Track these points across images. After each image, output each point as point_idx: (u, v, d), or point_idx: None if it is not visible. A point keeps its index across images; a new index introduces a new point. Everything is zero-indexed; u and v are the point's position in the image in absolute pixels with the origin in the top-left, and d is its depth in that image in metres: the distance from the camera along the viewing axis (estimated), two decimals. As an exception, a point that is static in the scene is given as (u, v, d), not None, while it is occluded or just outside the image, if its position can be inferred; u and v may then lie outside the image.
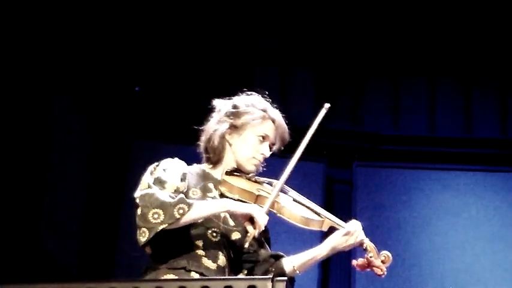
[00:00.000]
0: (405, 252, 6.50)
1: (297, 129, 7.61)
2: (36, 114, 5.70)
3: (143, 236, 3.03)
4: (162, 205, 3.04)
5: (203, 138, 3.33)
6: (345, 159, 6.80)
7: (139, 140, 6.53)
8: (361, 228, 3.29)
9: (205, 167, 3.33)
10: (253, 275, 3.18)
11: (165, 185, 3.14)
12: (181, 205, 3.05)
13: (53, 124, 5.82)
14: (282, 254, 3.31)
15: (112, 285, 2.82)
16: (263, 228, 3.12)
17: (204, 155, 3.34)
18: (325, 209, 7.21)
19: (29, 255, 5.52)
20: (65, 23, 5.91)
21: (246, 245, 3.11)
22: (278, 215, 3.25)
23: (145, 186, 3.12)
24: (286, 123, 3.38)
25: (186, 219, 3.05)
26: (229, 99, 3.40)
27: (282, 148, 3.36)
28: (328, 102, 7.35)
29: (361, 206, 6.61)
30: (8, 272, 5.19)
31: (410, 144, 6.87)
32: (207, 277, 3.02)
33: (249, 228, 3.10)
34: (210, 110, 3.37)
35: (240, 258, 3.23)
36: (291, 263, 3.25)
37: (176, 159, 3.29)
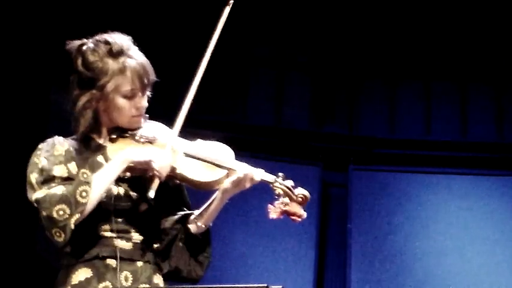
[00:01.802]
0: (400, 255, 6.50)
1: (293, 133, 7.60)
2: (32, 114, 5.70)
3: (59, 237, 2.81)
4: (62, 199, 2.83)
5: (70, 106, 3.07)
6: (340, 163, 6.80)
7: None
8: (251, 169, 2.98)
9: (85, 135, 3.04)
10: (165, 247, 3.02)
11: (55, 180, 2.90)
12: (80, 188, 2.85)
13: (48, 125, 5.81)
14: (186, 213, 3.07)
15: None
16: (166, 171, 2.87)
17: (76, 127, 3.06)
18: (321, 213, 7.22)
19: (24, 259, 5.51)
20: (61, 22, 5.91)
21: (151, 194, 2.85)
22: (175, 180, 3.00)
23: (34, 188, 2.91)
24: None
25: (93, 198, 2.85)
26: (78, 47, 3.10)
27: (150, 85, 3.05)
28: (324, 106, 7.33)
29: (357, 209, 6.60)
30: (4, 277, 5.17)
31: (406, 148, 6.87)
32: (198, 286, 2.93)
33: (155, 173, 2.86)
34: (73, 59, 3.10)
35: (156, 228, 3.04)
36: (194, 221, 3.04)
37: (54, 138, 3.07)
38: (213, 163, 2.99)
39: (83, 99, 3.02)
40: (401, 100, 7.00)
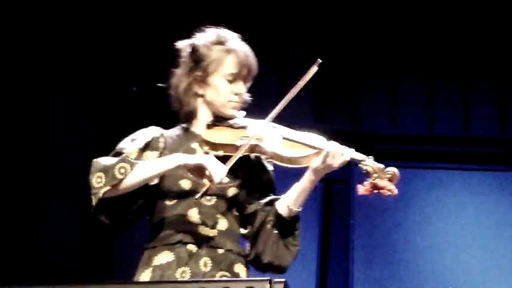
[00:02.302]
0: (403, 251, 6.51)
1: (296, 130, 7.61)
2: (35, 114, 5.71)
3: (92, 202, 2.96)
4: (103, 168, 2.95)
5: (172, 93, 3.17)
6: (343, 159, 6.79)
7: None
8: (341, 146, 3.05)
9: (186, 125, 3.16)
10: (254, 231, 3.04)
11: (122, 158, 2.98)
12: (122, 164, 2.93)
13: (52, 124, 5.83)
14: (275, 197, 3.11)
15: (111, 286, 2.82)
16: (218, 180, 2.88)
17: (179, 113, 3.17)
18: (324, 209, 7.24)
19: (28, 255, 5.52)
20: (63, 23, 5.92)
21: (197, 196, 2.91)
22: (268, 160, 3.07)
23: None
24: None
25: (132, 179, 2.92)
26: (189, 41, 3.18)
27: (252, 78, 3.15)
28: (326, 103, 7.34)
29: (359, 205, 6.61)
30: (7, 273, 5.19)
31: (409, 143, 6.87)
32: (200, 280, 2.89)
33: (204, 180, 2.91)
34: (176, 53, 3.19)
35: (243, 214, 3.08)
36: (284, 203, 3.07)
37: (151, 127, 3.16)
38: (303, 143, 3.06)
39: (185, 82, 3.11)
40: (404, 96, 7.00)
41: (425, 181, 6.72)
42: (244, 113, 3.19)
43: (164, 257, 2.98)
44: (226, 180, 3.01)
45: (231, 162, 2.97)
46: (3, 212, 5.43)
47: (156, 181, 3.04)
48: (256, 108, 7.30)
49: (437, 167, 6.79)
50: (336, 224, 6.70)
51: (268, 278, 2.61)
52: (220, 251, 3.01)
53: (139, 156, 3.03)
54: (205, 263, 2.98)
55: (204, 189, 2.91)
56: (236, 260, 3.04)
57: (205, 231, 3.00)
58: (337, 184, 6.80)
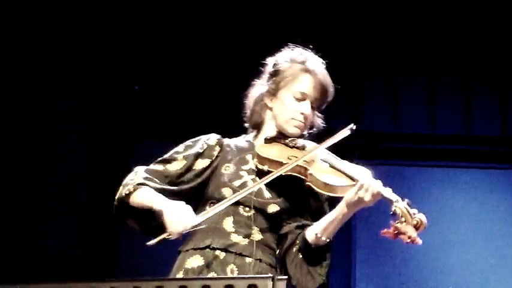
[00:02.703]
0: (406, 250, 6.50)
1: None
2: (36, 114, 5.71)
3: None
4: (124, 182, 3.09)
5: (246, 101, 3.24)
6: (345, 158, 6.78)
7: (139, 140, 6.53)
8: (376, 182, 3.02)
9: (251, 135, 3.22)
10: (283, 249, 3.06)
11: (169, 164, 3.10)
12: (130, 186, 3.03)
13: (53, 124, 5.83)
14: (308, 223, 3.10)
15: (112, 284, 2.81)
16: (178, 229, 2.91)
17: (247, 122, 3.23)
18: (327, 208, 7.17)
19: (30, 254, 5.53)
20: (64, 22, 5.92)
21: (150, 242, 2.95)
22: (307, 183, 3.04)
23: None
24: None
25: (134, 200, 3.03)
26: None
27: (324, 105, 3.18)
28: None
29: (361, 204, 6.60)
30: (9, 271, 5.19)
31: (411, 142, 6.87)
32: (203, 277, 2.93)
33: (167, 226, 2.96)
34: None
35: (279, 231, 3.09)
36: (313, 230, 3.04)
37: (212, 134, 3.21)
38: (343, 172, 3.06)
39: (258, 90, 3.18)
40: (405, 94, 7.00)
41: (427, 180, 6.72)
42: (306, 134, 3.21)
43: (195, 261, 3.03)
44: (268, 195, 3.06)
45: (266, 180, 3.00)
46: (5, 212, 5.43)
47: (202, 178, 3.12)
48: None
49: (438, 166, 6.78)
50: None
51: (271, 275, 2.60)
52: (249, 259, 3.03)
53: (192, 163, 3.10)
54: (231, 270, 3.01)
55: (161, 237, 2.95)
56: (265, 270, 3.03)
57: (236, 239, 3.03)
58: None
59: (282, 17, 6.96)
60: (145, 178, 3.07)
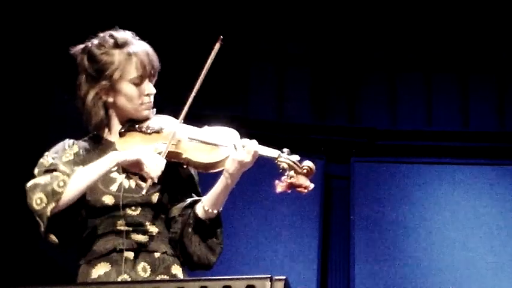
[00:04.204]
0: (404, 247, 6.50)
1: (295, 127, 7.60)
2: (34, 115, 5.70)
3: (39, 226, 2.92)
4: (42, 188, 2.89)
5: (79, 104, 3.08)
6: (342, 155, 6.80)
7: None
8: (251, 142, 2.95)
9: (97, 134, 3.10)
10: (178, 235, 3.01)
11: (55, 173, 2.94)
12: (59, 178, 2.89)
13: (50, 124, 5.82)
14: (195, 199, 3.05)
15: (111, 287, 2.81)
16: (157, 172, 2.87)
17: (89, 124, 3.09)
18: (324, 205, 7.21)
19: (28, 256, 5.52)
20: (61, 21, 5.91)
21: (144, 192, 2.90)
22: (184, 165, 3.01)
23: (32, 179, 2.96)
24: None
25: (72, 190, 2.88)
26: (83, 47, 3.11)
27: (156, 73, 3.09)
28: (324, 99, 7.31)
29: (359, 201, 6.61)
30: (7, 274, 5.18)
31: (408, 138, 6.87)
32: (201, 278, 2.85)
33: (145, 174, 2.90)
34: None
35: (168, 217, 3.05)
36: (202, 206, 2.99)
37: (66, 140, 3.10)
38: (215, 144, 2.99)
39: (92, 92, 3.04)
40: (402, 91, 7.00)
41: (425, 176, 6.72)
42: (155, 110, 3.12)
43: (101, 269, 2.96)
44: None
45: (164, 151, 2.95)
46: (4, 214, 5.42)
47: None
48: (254, 104, 7.29)
49: (436, 162, 6.78)
50: (336, 219, 6.70)
51: (269, 275, 2.59)
52: (157, 254, 2.99)
53: (72, 172, 2.96)
54: (144, 268, 2.96)
55: (148, 184, 2.90)
56: (172, 262, 3.02)
57: (137, 237, 2.98)
58: (337, 180, 6.81)
59: (281, 11, 6.96)
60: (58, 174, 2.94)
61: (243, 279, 2.63)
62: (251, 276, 2.70)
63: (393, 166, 6.75)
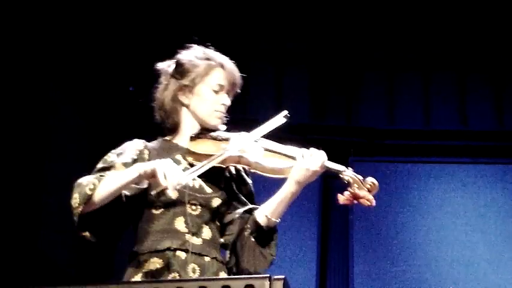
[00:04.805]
0: (402, 246, 6.51)
1: (293, 127, 7.62)
2: (33, 115, 5.71)
3: (75, 224, 2.99)
4: (78, 187, 2.99)
5: (155, 107, 3.20)
6: (341, 155, 6.78)
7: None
8: (319, 152, 3.08)
9: (168, 138, 3.20)
10: (233, 239, 3.09)
11: (112, 170, 3.04)
12: (92, 180, 2.97)
13: (49, 125, 5.83)
14: (254, 206, 3.15)
15: (110, 287, 2.81)
16: (172, 182, 2.90)
17: (162, 126, 3.20)
18: (323, 205, 7.22)
19: (27, 256, 5.52)
20: (59, 21, 5.91)
21: (152, 193, 2.95)
22: (251, 170, 3.11)
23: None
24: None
25: (101, 193, 2.95)
26: (170, 59, 3.22)
27: (237, 92, 3.22)
28: (323, 99, 7.31)
29: (358, 201, 6.61)
30: (6, 274, 5.19)
31: (406, 138, 6.88)
32: (200, 278, 2.94)
33: (158, 181, 2.93)
34: (157, 75, 3.23)
35: (222, 223, 3.13)
36: (262, 213, 3.09)
37: (135, 140, 3.18)
38: (283, 154, 3.09)
39: (172, 91, 3.15)
40: (400, 91, 7.01)
41: (424, 175, 6.73)
42: (225, 127, 3.22)
43: (153, 265, 3.02)
44: (210, 191, 3.10)
45: (206, 167, 3.03)
46: (3, 215, 5.43)
47: (145, 185, 3.07)
48: (253, 104, 7.30)
49: (434, 161, 6.79)
50: (335, 220, 6.70)
51: (268, 275, 2.60)
52: (207, 258, 3.06)
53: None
54: (193, 269, 3.02)
55: (159, 189, 2.94)
56: (220, 268, 3.09)
57: (191, 239, 3.04)
58: (336, 180, 6.79)
59: (280, 11, 6.97)
60: (100, 175, 3.04)
61: (241, 278, 2.65)
62: (250, 276, 2.71)
63: (392, 165, 6.76)
